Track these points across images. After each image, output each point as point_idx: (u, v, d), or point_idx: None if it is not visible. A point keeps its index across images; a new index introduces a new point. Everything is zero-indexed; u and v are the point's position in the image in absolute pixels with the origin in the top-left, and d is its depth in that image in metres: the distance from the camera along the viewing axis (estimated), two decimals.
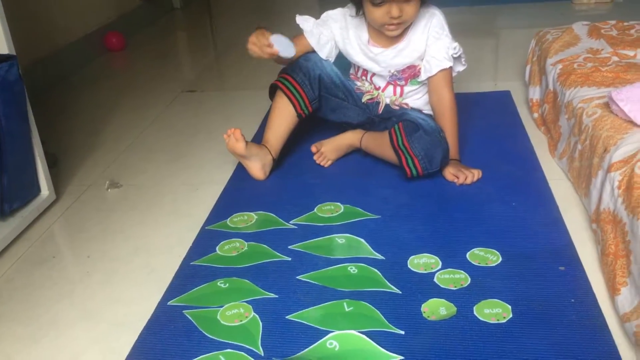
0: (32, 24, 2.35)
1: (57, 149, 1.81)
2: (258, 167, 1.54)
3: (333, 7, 1.59)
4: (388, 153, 1.48)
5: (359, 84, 1.63)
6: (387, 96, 1.59)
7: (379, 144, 1.53)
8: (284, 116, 1.57)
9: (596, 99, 1.39)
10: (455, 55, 1.48)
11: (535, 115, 1.78)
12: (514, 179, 1.47)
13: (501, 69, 2.30)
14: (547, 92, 1.67)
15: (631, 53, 1.64)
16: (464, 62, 1.52)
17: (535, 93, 1.81)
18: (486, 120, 1.78)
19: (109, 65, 2.81)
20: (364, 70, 1.59)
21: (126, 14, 3.10)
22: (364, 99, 1.61)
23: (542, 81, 1.76)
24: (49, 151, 1.60)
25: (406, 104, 1.59)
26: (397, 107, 1.59)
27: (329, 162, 1.61)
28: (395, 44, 1.50)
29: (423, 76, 1.51)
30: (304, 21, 1.58)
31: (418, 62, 1.51)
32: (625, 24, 1.87)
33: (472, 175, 1.46)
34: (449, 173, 1.47)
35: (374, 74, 1.58)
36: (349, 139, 1.62)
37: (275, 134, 1.57)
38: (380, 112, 1.60)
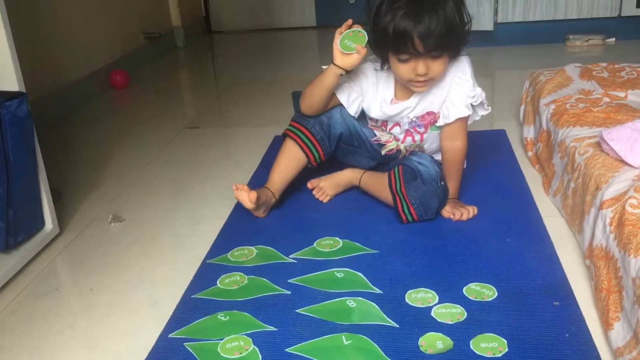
0: (39, 62, 2.41)
1: (61, 184, 1.84)
2: (261, 211, 1.56)
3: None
4: (385, 194, 1.51)
5: (378, 134, 1.58)
6: (407, 145, 1.57)
7: (377, 185, 1.56)
8: (294, 163, 1.56)
9: (588, 139, 1.43)
10: (475, 103, 1.46)
11: (530, 153, 1.82)
12: (509, 215, 1.50)
13: (496, 109, 2.35)
14: (540, 131, 1.72)
15: (622, 94, 1.69)
16: (487, 107, 1.50)
17: (529, 132, 1.86)
18: (482, 158, 1.82)
19: (113, 101, 2.86)
20: (384, 121, 1.55)
21: (130, 52, 3.17)
22: (383, 152, 1.58)
23: (536, 121, 1.80)
24: (52, 187, 1.63)
25: (423, 149, 1.57)
26: (408, 153, 1.58)
27: (328, 198, 1.64)
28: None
29: (441, 122, 1.48)
30: (341, 95, 1.52)
31: (438, 108, 1.48)
32: (616, 66, 1.93)
33: (467, 212, 1.49)
34: (446, 210, 1.50)
35: (393, 126, 1.54)
36: (348, 177, 1.65)
37: (282, 176, 1.57)
38: (400, 158, 1.59)
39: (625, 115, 1.51)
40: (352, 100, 1.51)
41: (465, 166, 1.56)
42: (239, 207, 1.66)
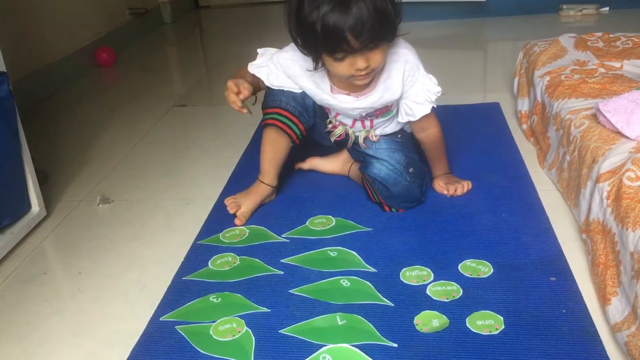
0: (21, 40, 2.35)
1: (47, 165, 1.80)
2: (270, 199, 1.53)
3: None
4: None
5: (330, 117, 1.49)
6: (357, 131, 1.47)
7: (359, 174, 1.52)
8: (280, 147, 1.47)
9: (584, 111, 1.41)
10: (437, 95, 1.35)
11: (524, 126, 1.79)
12: (503, 190, 1.48)
13: (490, 81, 2.32)
14: (535, 103, 1.69)
15: (617, 64, 1.66)
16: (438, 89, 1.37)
17: (523, 105, 1.83)
18: (475, 132, 1.80)
19: (100, 80, 2.81)
20: (327, 107, 1.45)
21: (116, 29, 3.11)
22: (332, 138, 1.50)
23: (531, 93, 1.78)
24: (39, 168, 1.60)
25: (377, 136, 1.45)
26: (365, 146, 1.46)
27: (308, 168, 1.65)
28: (367, 93, 1.34)
29: (405, 118, 1.38)
30: (258, 71, 1.45)
31: (391, 102, 1.37)
32: (611, 35, 1.89)
33: (462, 187, 1.47)
34: (439, 185, 1.48)
35: (338, 113, 1.45)
36: (338, 169, 1.61)
37: (273, 163, 1.49)
38: (349, 147, 1.52)
39: (622, 86, 1.48)
40: (273, 81, 1.43)
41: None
42: (229, 186, 1.63)
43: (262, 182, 1.50)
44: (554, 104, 1.53)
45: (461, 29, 3.02)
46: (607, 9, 3.03)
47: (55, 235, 1.50)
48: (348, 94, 1.35)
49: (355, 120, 1.45)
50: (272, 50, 1.45)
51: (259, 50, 1.47)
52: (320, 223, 1.41)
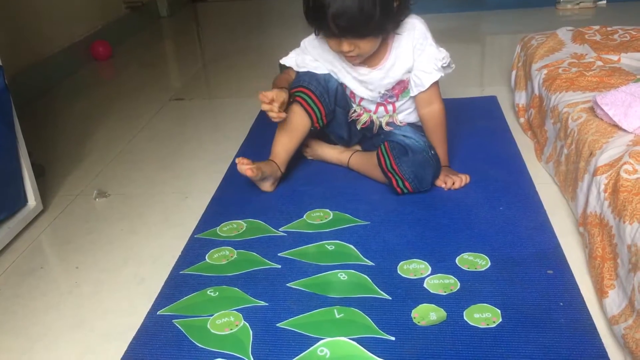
0: (17, 34, 2.34)
1: (43, 160, 1.80)
2: (268, 185, 1.52)
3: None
4: (376, 174, 1.48)
5: (354, 106, 1.56)
6: (380, 116, 1.54)
7: (367, 165, 1.53)
8: (297, 130, 1.50)
9: (581, 104, 1.41)
10: (444, 65, 1.43)
11: (522, 120, 1.79)
12: (501, 183, 1.48)
13: (487, 75, 2.32)
14: (532, 97, 1.69)
15: (615, 57, 1.66)
16: (452, 65, 1.47)
17: (521, 98, 1.83)
18: (473, 125, 1.80)
19: (96, 74, 2.80)
20: (352, 92, 1.52)
21: (112, 22, 3.09)
22: (358, 125, 1.56)
23: (528, 86, 1.77)
24: (35, 162, 1.59)
25: (401, 122, 1.53)
26: (390, 129, 1.53)
27: (311, 158, 1.67)
28: (381, 63, 1.43)
29: (415, 91, 1.44)
30: (287, 60, 1.55)
31: (407, 76, 1.45)
32: (609, 28, 1.89)
33: (459, 180, 1.47)
34: (437, 179, 1.48)
35: (362, 99, 1.52)
36: (337, 158, 1.62)
37: (286, 148, 1.51)
38: (376, 132, 1.56)
39: (619, 79, 1.48)
40: (313, 68, 1.51)
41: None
42: (227, 180, 1.63)
43: (272, 161, 1.52)
44: (551, 97, 1.53)
45: (459, 22, 3.02)
46: (604, 2, 3.03)
47: (52, 229, 1.50)
48: (365, 66, 1.44)
49: (378, 105, 1.50)
50: (292, 55, 1.55)
51: (283, 61, 1.56)
52: (318, 217, 1.41)
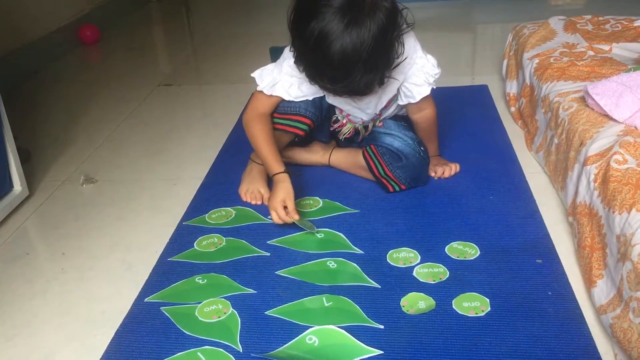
0: (3, 16, 2.30)
1: (29, 145, 1.77)
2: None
3: None
4: (362, 173, 1.45)
5: (337, 114, 1.45)
6: (366, 124, 1.45)
7: (350, 164, 1.49)
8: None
9: (572, 93, 1.40)
10: (436, 77, 1.35)
11: (513, 109, 1.79)
12: (491, 172, 1.48)
13: (478, 64, 2.31)
14: (524, 86, 1.68)
15: (606, 47, 1.66)
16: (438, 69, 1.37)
17: (512, 87, 1.82)
18: (464, 114, 1.79)
19: (83, 58, 2.76)
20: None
21: (100, 6, 3.05)
22: (341, 136, 1.47)
23: (519, 75, 1.77)
24: (21, 147, 1.57)
25: (381, 122, 1.45)
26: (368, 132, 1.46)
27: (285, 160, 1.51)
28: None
29: (405, 101, 1.37)
30: (275, 89, 1.35)
31: (397, 90, 1.38)
32: (601, 18, 1.89)
33: (449, 169, 1.47)
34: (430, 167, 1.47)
35: (349, 114, 1.43)
36: (316, 161, 1.55)
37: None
38: (359, 141, 1.49)
39: (610, 69, 1.48)
40: (292, 92, 1.36)
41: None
42: (216, 167, 1.61)
43: (257, 163, 1.46)
44: (542, 86, 1.53)
45: (450, 11, 3.00)
46: None
47: (38, 215, 1.48)
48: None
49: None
50: (268, 67, 1.37)
51: (255, 74, 1.37)
52: (308, 204, 1.41)
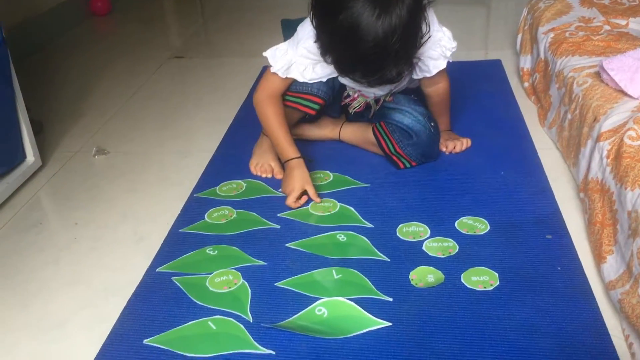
0: None
1: (42, 116, 1.78)
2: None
3: None
4: (372, 148, 1.45)
5: (348, 89, 1.43)
6: (379, 97, 1.43)
7: (360, 139, 1.48)
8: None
9: (587, 68, 1.39)
10: (452, 50, 1.33)
11: (526, 84, 1.77)
12: (503, 148, 1.47)
13: (492, 38, 2.28)
14: (538, 61, 1.66)
15: (623, 22, 1.63)
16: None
17: (526, 62, 1.80)
18: (476, 89, 1.77)
19: (95, 29, 2.76)
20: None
21: None
22: (352, 110, 1.45)
23: (534, 50, 1.75)
24: (34, 118, 1.58)
25: (391, 98, 1.43)
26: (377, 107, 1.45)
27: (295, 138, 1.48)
28: None
29: (419, 75, 1.35)
30: (290, 71, 1.32)
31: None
32: None
33: (461, 144, 1.46)
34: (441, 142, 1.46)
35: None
36: (325, 136, 1.54)
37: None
38: (371, 117, 1.46)
39: (626, 44, 1.46)
40: (306, 74, 1.33)
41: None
42: (227, 140, 1.62)
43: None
44: (557, 61, 1.51)
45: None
46: None
47: (50, 185, 1.49)
48: None
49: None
50: (281, 47, 1.32)
51: (268, 54, 1.32)
52: (318, 178, 1.41)
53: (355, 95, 1.44)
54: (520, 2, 2.06)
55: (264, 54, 1.33)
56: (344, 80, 1.37)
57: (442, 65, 1.33)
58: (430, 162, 1.43)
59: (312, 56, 1.29)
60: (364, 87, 1.36)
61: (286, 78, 1.33)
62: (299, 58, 1.30)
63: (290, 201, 1.29)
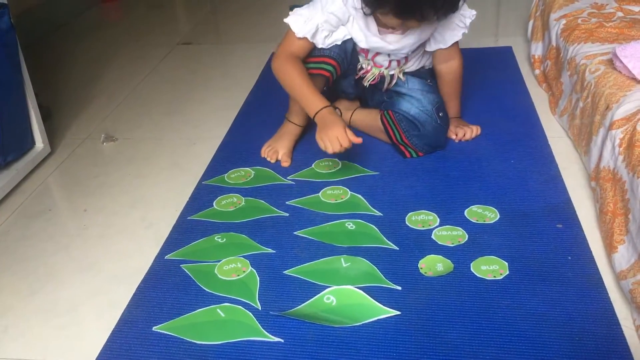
0: None
1: (50, 102, 1.78)
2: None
3: None
4: (380, 135, 1.44)
5: (361, 60, 1.42)
6: (392, 69, 1.42)
7: (370, 127, 1.48)
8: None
9: (600, 56, 1.37)
10: (472, 19, 1.33)
11: (537, 71, 1.75)
12: (513, 136, 1.46)
13: (503, 24, 2.26)
14: (549, 48, 1.64)
15: (636, 9, 1.60)
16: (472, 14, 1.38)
17: (537, 49, 1.78)
18: (487, 76, 1.76)
19: (103, 15, 2.75)
20: (362, 49, 1.38)
21: None
22: (366, 82, 1.43)
23: (545, 37, 1.73)
24: (42, 104, 1.58)
25: (404, 76, 1.43)
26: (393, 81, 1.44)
27: None
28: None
29: (434, 47, 1.36)
30: (317, 35, 1.32)
31: (429, 35, 1.36)
32: None
33: (470, 131, 1.45)
34: (449, 130, 1.45)
35: (376, 54, 1.39)
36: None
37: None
38: (384, 89, 1.46)
39: None
40: (327, 41, 1.33)
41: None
42: (235, 127, 1.61)
43: (291, 122, 1.46)
44: (569, 48, 1.49)
45: None
46: None
47: (59, 172, 1.50)
48: (393, 33, 1.31)
49: (392, 60, 1.41)
50: (304, 12, 1.31)
51: (290, 21, 1.31)
52: (327, 166, 1.40)
53: (369, 67, 1.42)
54: None
55: (285, 20, 1.32)
56: (361, 43, 1.35)
57: (459, 35, 1.34)
58: (438, 150, 1.42)
59: (334, 20, 1.29)
60: (382, 44, 1.34)
61: (306, 43, 1.32)
62: (323, 24, 1.30)
63: (332, 147, 1.23)
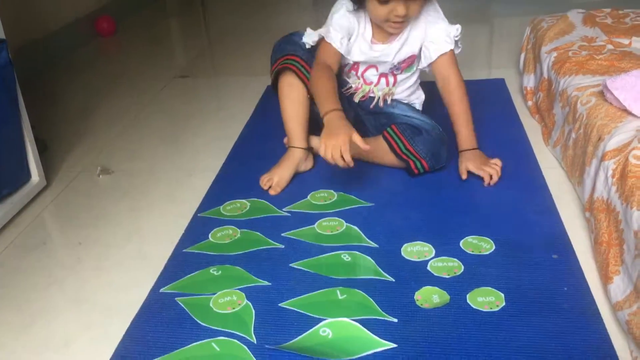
0: (22, 7, 2.31)
1: (46, 135, 1.79)
2: (304, 166, 1.49)
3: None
4: (386, 159, 1.45)
5: (349, 80, 1.50)
6: (380, 89, 1.49)
7: (373, 151, 1.46)
8: (297, 101, 1.44)
9: (591, 87, 1.39)
10: (456, 38, 1.41)
11: (530, 103, 1.77)
12: (507, 166, 1.46)
13: (495, 57, 2.29)
14: (541, 80, 1.67)
15: (626, 41, 1.63)
16: (459, 45, 1.45)
17: (529, 81, 1.81)
18: (480, 108, 1.76)
19: (100, 50, 2.78)
20: (354, 65, 1.47)
21: None
22: (356, 98, 1.49)
23: (537, 69, 1.75)
24: (38, 137, 1.59)
25: (393, 98, 1.50)
26: (383, 102, 1.49)
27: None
28: (398, 35, 1.41)
29: (424, 63, 1.44)
30: (331, 37, 1.39)
31: (417, 50, 1.44)
32: (620, 12, 1.86)
33: (495, 171, 1.38)
34: (472, 165, 1.39)
35: (366, 69, 1.46)
36: None
37: (298, 122, 1.45)
38: (372, 107, 1.50)
39: (630, 63, 1.46)
40: (344, 45, 1.40)
41: None
42: (231, 159, 1.62)
43: (293, 147, 1.48)
44: (560, 80, 1.51)
45: (468, 3, 2.98)
46: None
47: (55, 205, 1.50)
48: (380, 43, 1.42)
49: (380, 76, 1.46)
50: (321, 31, 1.42)
51: (322, 32, 1.41)
52: (322, 197, 1.41)
53: (359, 85, 1.49)
54: (523, 20, 2.07)
55: (312, 32, 1.43)
56: (357, 56, 1.43)
57: (444, 48, 1.41)
58: (440, 165, 1.42)
59: (345, 23, 1.39)
60: (362, 55, 1.42)
61: (335, 53, 1.39)
62: (333, 31, 1.39)
63: (336, 157, 1.22)
